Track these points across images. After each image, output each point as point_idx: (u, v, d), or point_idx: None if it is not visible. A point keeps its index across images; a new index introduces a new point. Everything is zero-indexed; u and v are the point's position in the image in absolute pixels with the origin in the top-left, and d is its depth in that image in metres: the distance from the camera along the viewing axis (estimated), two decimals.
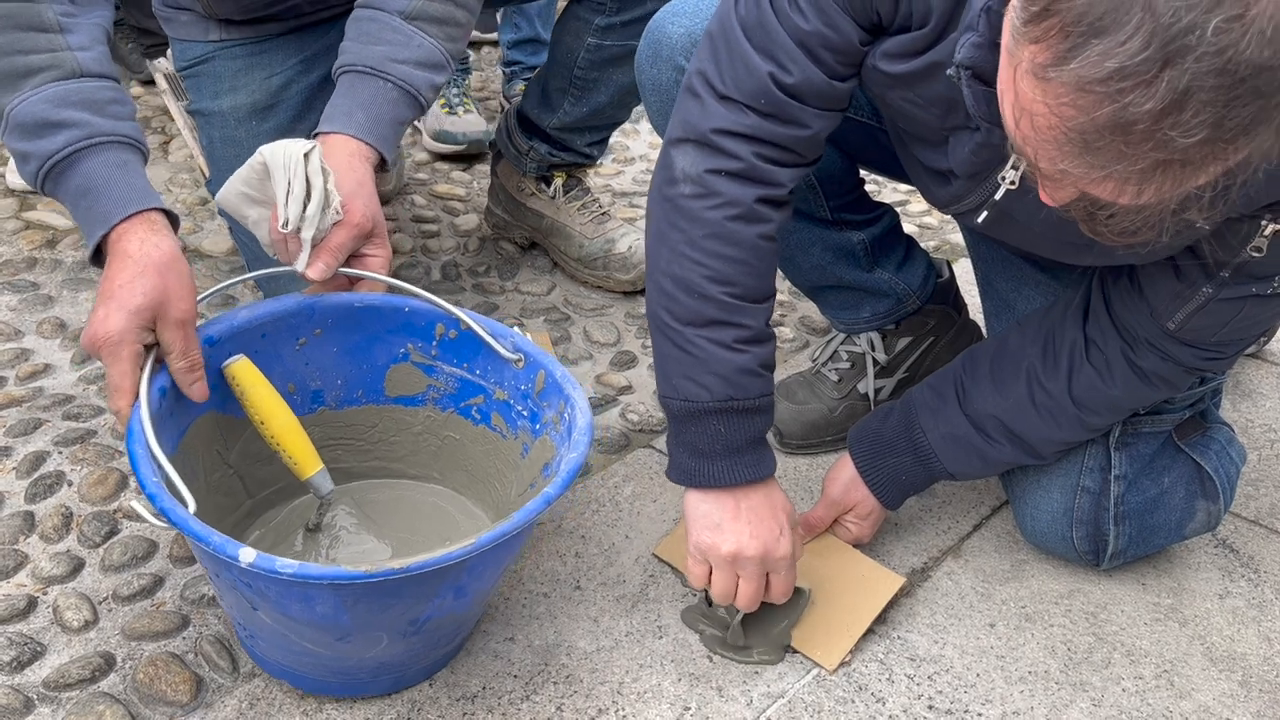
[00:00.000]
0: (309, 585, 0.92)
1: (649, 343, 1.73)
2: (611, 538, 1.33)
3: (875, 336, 1.49)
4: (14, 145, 1.07)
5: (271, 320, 1.15)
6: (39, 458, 1.40)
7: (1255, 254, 0.97)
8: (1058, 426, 1.19)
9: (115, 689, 1.10)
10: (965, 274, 1.55)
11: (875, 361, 1.50)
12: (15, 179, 2.02)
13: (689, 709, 1.12)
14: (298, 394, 1.20)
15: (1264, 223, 0.94)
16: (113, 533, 1.29)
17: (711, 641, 1.19)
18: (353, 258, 1.18)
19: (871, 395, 1.49)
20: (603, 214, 1.86)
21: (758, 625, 1.17)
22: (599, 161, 1.94)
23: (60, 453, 1.41)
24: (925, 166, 1.14)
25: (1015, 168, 0.94)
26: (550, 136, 1.78)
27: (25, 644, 1.13)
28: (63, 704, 1.08)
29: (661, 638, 1.19)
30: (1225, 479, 1.28)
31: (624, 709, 1.11)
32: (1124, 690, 1.18)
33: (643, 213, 2.14)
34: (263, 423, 1.11)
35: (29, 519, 1.30)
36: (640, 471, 1.44)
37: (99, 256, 1.06)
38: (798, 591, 1.18)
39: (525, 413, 1.18)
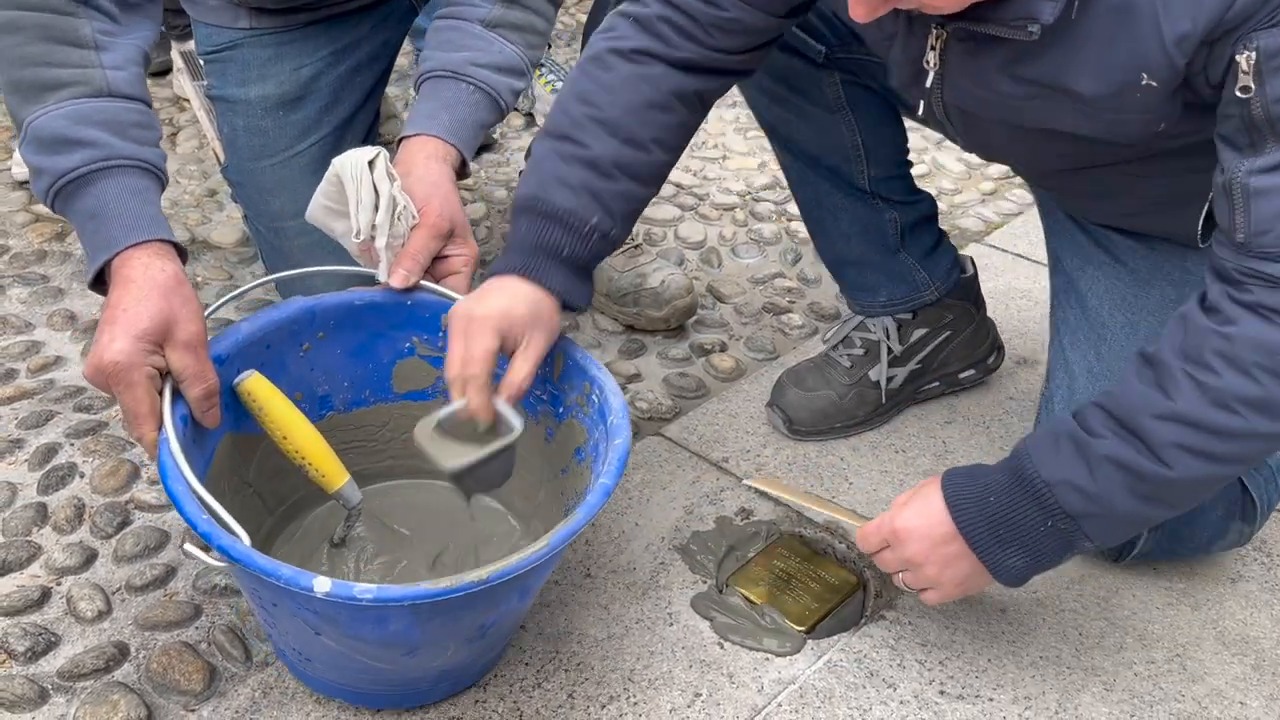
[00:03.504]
0: (387, 608, 0.89)
1: (655, 329, 1.73)
2: (621, 525, 1.33)
3: (891, 325, 1.49)
4: (29, 159, 1.04)
5: (275, 329, 1.12)
6: (51, 450, 1.40)
7: (1243, 95, 0.88)
8: (1160, 391, 0.93)
9: (129, 678, 1.11)
10: (984, 268, 1.55)
11: (889, 350, 1.49)
12: (22, 171, 2.03)
13: (700, 695, 1.12)
14: (305, 401, 1.15)
15: (1237, 58, 0.88)
16: (125, 523, 1.29)
17: (723, 628, 1.19)
18: (437, 259, 1.17)
19: (883, 383, 1.49)
20: (635, 246, 1.77)
21: (464, 438, 1.06)
22: None
23: (72, 444, 1.41)
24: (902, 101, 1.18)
25: (933, 48, 1.01)
26: None
27: (39, 634, 1.14)
28: (77, 694, 1.09)
29: (672, 625, 1.20)
30: (1266, 503, 1.25)
31: (635, 696, 1.11)
32: (1136, 674, 1.17)
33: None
34: (284, 438, 1.07)
35: (42, 510, 1.31)
36: (649, 459, 1.44)
37: (100, 282, 1.03)
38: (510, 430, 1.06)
39: (545, 396, 1.17)
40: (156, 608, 1.18)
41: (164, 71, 2.45)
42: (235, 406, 1.07)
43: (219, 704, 1.08)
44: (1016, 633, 1.21)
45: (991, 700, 1.13)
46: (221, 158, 1.64)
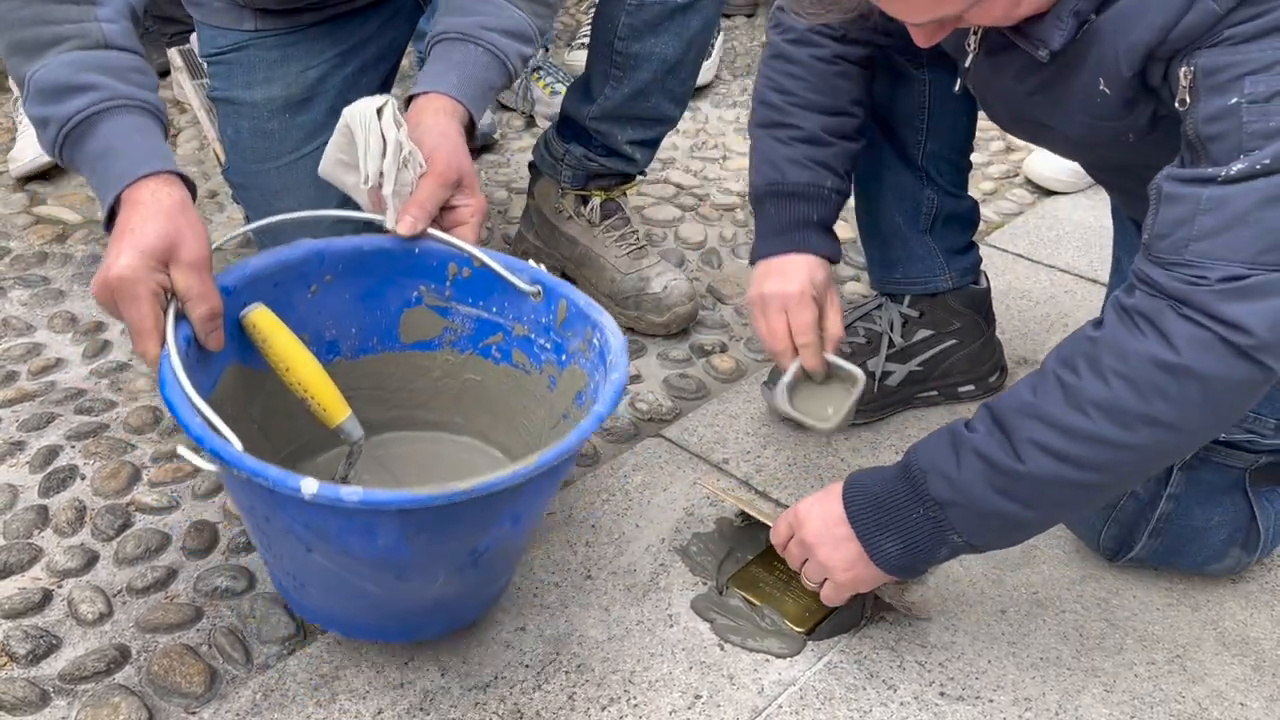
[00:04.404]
0: (374, 513, 0.89)
1: (655, 333, 1.73)
2: (622, 527, 1.33)
3: (896, 319, 1.50)
4: (34, 111, 1.06)
5: (283, 268, 1.13)
6: (52, 452, 1.41)
7: (1180, 107, 0.92)
8: (1031, 390, 0.99)
9: (130, 681, 1.11)
10: (984, 268, 1.55)
11: (890, 342, 1.50)
12: (20, 168, 2.02)
13: (700, 697, 1.12)
14: (312, 345, 1.14)
15: (1179, 72, 0.92)
16: (126, 526, 1.30)
17: (723, 630, 1.19)
18: (444, 209, 1.18)
19: (878, 374, 1.49)
20: (640, 248, 1.74)
21: (809, 395, 1.33)
22: (642, 174, 1.79)
23: (73, 447, 1.42)
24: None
25: (974, 33, 1.10)
26: (589, 134, 1.67)
27: (41, 637, 1.14)
28: (78, 696, 1.09)
29: (672, 626, 1.20)
30: (1271, 536, 1.25)
31: (635, 697, 1.11)
32: (1136, 676, 1.17)
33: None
34: (287, 369, 1.07)
35: (43, 513, 1.31)
36: (650, 461, 1.44)
37: (113, 223, 1.04)
38: (853, 378, 1.31)
39: (548, 345, 1.17)
40: (157, 610, 1.18)
41: (163, 74, 2.45)
42: (240, 338, 1.08)
43: (220, 706, 1.08)
44: (1016, 634, 1.21)
45: (992, 701, 1.13)
46: (222, 159, 1.64)
